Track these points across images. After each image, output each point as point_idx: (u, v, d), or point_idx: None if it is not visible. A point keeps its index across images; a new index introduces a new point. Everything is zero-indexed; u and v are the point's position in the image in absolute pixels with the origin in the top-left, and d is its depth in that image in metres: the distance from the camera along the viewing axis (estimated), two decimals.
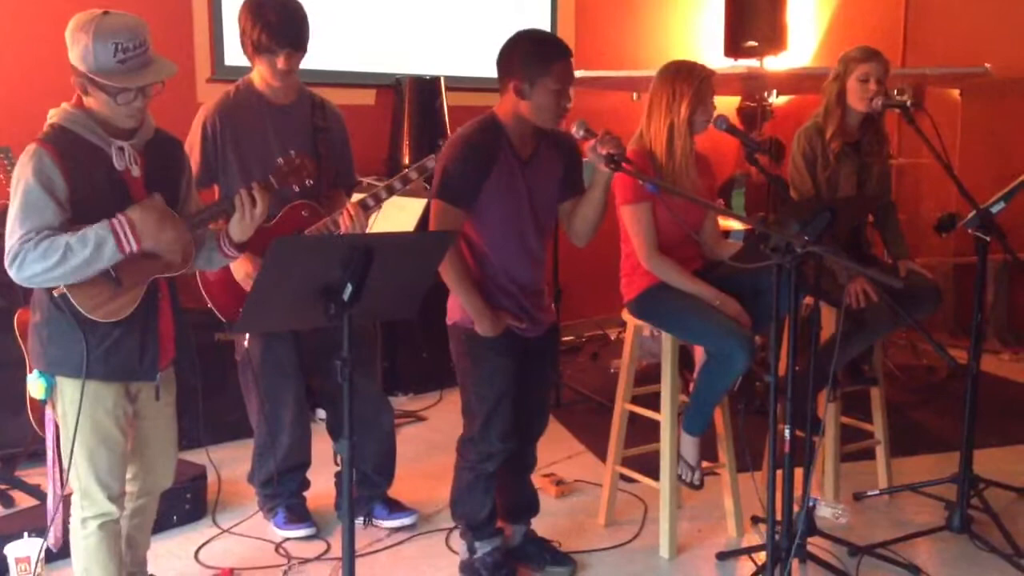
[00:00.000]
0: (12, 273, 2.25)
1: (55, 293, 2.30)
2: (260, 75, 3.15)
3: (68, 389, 2.37)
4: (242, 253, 2.54)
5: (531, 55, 2.68)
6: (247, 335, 3.26)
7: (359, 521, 3.38)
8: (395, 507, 3.47)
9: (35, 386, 2.40)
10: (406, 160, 5.20)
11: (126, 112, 2.30)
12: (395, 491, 3.51)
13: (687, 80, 3.07)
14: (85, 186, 2.27)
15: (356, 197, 3.19)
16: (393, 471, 3.48)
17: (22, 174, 2.24)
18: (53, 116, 2.33)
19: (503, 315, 2.82)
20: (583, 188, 2.92)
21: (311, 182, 2.69)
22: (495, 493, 3.01)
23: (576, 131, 2.69)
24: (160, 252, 2.35)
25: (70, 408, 2.37)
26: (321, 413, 4.14)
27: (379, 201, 3.12)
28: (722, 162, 5.82)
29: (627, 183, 3.04)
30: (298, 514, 3.40)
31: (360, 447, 3.30)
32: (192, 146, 3.11)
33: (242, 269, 3.05)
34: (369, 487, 3.42)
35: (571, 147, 2.92)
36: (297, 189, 2.66)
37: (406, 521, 3.43)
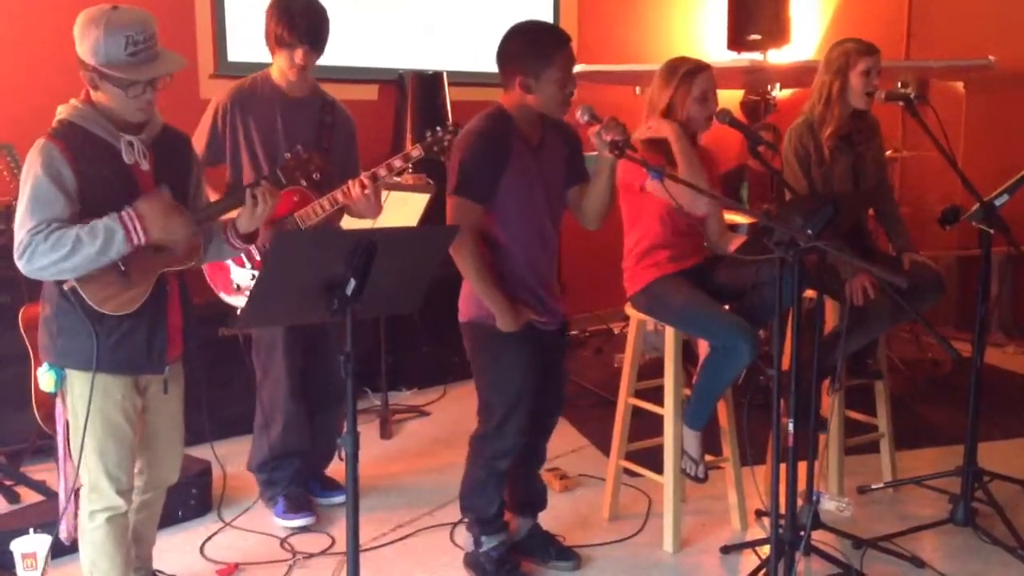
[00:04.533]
0: (21, 265, 2.26)
1: (65, 287, 2.31)
2: (279, 67, 3.26)
3: (77, 382, 2.39)
4: (249, 245, 2.55)
5: (531, 49, 2.68)
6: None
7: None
8: (328, 484, 3.62)
9: (45, 379, 2.42)
10: None
11: (136, 105, 2.31)
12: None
13: (679, 79, 3.06)
14: (94, 180, 2.29)
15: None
16: (332, 455, 3.60)
17: (31, 168, 2.25)
18: (62, 112, 2.35)
19: (524, 309, 2.82)
20: (587, 175, 2.93)
21: (318, 176, 2.69)
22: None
23: (581, 116, 2.66)
24: (167, 244, 2.36)
25: (79, 401, 2.38)
26: None
27: (391, 171, 3.06)
28: (726, 155, 5.81)
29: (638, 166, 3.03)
30: (297, 503, 3.43)
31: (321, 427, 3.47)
32: (203, 125, 3.26)
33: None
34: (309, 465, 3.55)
35: (571, 134, 2.93)
36: (304, 184, 2.67)
37: (335, 500, 3.56)
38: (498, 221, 2.80)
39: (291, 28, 3.14)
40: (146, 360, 2.43)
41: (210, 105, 3.30)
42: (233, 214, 2.50)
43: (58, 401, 2.47)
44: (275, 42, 3.19)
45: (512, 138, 2.76)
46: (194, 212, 2.44)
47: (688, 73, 3.07)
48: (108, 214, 2.26)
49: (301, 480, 3.51)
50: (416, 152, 3.01)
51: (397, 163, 3.03)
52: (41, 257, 2.23)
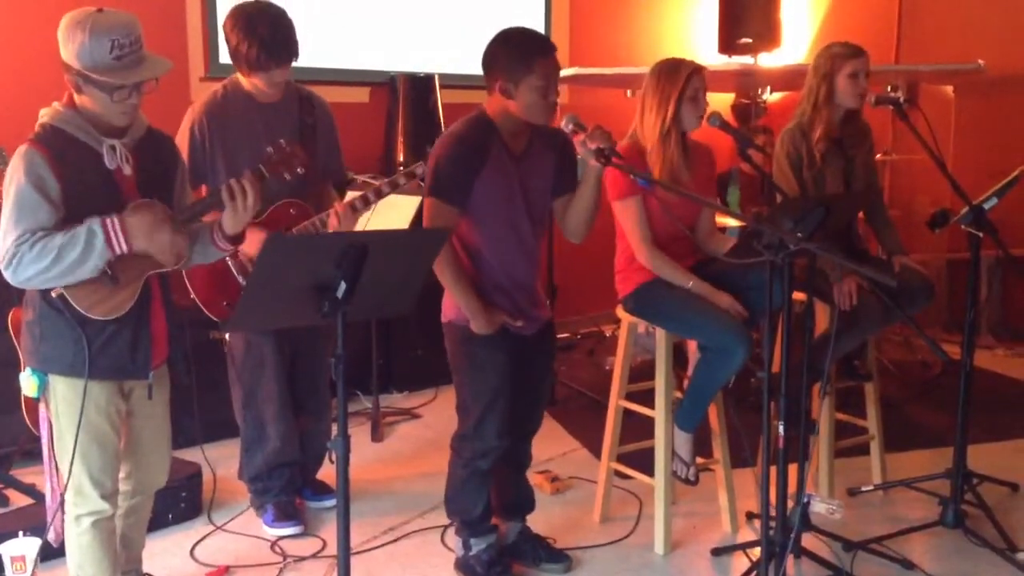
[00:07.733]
0: (8, 276, 2.24)
1: (53, 294, 2.29)
2: (253, 84, 3.17)
3: (60, 387, 2.38)
4: (236, 246, 2.51)
5: (513, 55, 2.67)
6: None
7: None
8: (319, 488, 3.62)
9: (28, 384, 2.40)
10: (400, 158, 5.21)
11: (120, 109, 2.29)
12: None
13: (673, 79, 3.08)
14: (77, 185, 2.27)
15: (348, 197, 3.21)
16: (323, 459, 3.61)
17: (14, 176, 2.23)
18: (44, 116, 2.32)
19: (498, 313, 2.83)
20: (577, 185, 2.92)
21: (302, 170, 2.66)
22: (491, 490, 3.02)
23: (565, 125, 2.67)
24: (152, 254, 2.33)
25: (62, 406, 2.38)
26: None
27: (367, 204, 3.14)
28: (718, 158, 5.81)
29: (619, 178, 3.05)
30: (286, 512, 3.41)
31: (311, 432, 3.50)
32: (181, 148, 3.11)
33: (254, 249, 2.94)
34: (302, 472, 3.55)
35: (564, 144, 2.91)
36: (288, 178, 2.62)
37: (326, 504, 3.55)
38: (473, 225, 2.80)
39: (264, 49, 3.02)
40: (129, 365, 2.41)
41: (184, 127, 3.15)
42: (208, 217, 2.47)
43: (41, 406, 2.45)
44: (248, 67, 3.07)
45: (491, 144, 2.75)
46: (176, 212, 2.42)
47: (691, 74, 3.08)
48: (90, 219, 2.23)
49: (292, 488, 3.50)
50: (420, 170, 3.04)
51: (401, 180, 3.12)
52: (27, 267, 2.21)
